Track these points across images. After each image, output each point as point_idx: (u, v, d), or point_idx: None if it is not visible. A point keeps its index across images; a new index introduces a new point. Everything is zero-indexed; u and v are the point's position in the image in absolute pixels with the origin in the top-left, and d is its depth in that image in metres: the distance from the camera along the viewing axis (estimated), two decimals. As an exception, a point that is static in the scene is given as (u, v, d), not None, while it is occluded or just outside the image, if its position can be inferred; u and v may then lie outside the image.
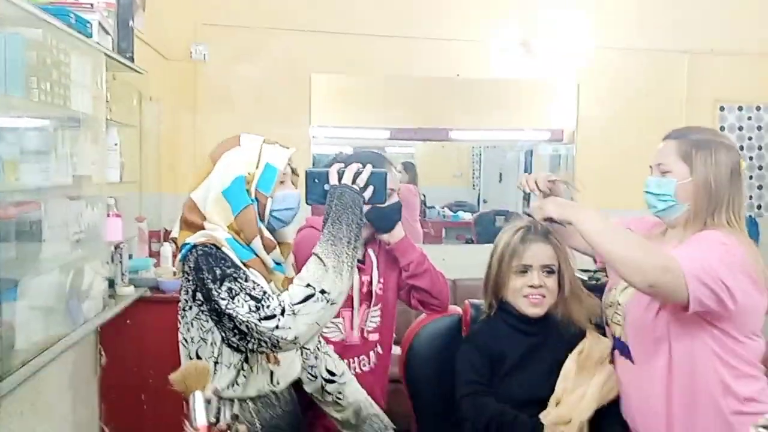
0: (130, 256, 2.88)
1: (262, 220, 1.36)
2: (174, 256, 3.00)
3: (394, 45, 3.91)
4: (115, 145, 2.54)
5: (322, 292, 1.26)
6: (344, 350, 1.72)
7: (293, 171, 1.45)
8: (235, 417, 1.01)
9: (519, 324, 1.76)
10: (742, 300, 1.40)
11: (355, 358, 1.78)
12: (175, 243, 1.39)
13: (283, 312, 1.23)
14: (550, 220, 1.54)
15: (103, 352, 2.69)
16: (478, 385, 1.71)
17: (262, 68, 3.79)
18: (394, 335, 1.96)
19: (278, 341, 1.23)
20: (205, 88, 3.75)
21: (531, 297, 1.73)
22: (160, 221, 3.47)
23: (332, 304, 1.27)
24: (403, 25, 3.90)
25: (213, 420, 1.01)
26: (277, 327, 1.22)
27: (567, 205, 1.53)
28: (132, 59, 2.59)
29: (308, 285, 1.26)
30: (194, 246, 1.30)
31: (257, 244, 1.34)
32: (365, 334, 1.82)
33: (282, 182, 1.40)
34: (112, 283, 2.58)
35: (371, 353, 1.84)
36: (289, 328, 1.23)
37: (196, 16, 3.69)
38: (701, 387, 1.47)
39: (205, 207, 1.35)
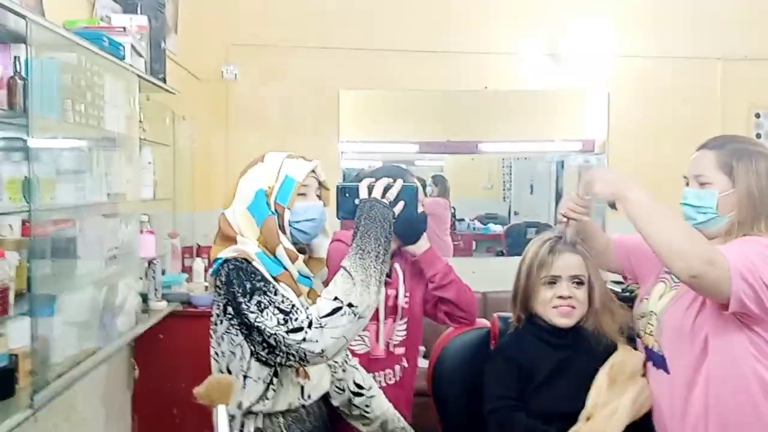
0: (163, 272, 2.94)
1: (283, 232, 1.38)
2: (206, 271, 3.07)
3: (420, 59, 3.93)
4: (149, 163, 2.61)
5: (350, 305, 1.26)
6: (369, 363, 1.72)
7: (321, 184, 1.47)
8: (258, 431, 1.01)
9: (548, 336, 1.73)
10: None
11: (381, 372, 1.78)
12: (208, 258, 1.42)
13: (310, 325, 1.24)
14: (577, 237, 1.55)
15: (136, 366, 2.74)
16: (507, 399, 1.69)
17: (291, 86, 3.85)
18: (421, 349, 1.96)
19: (305, 354, 1.24)
20: (237, 106, 3.83)
21: (560, 308, 1.71)
22: (194, 237, 3.54)
23: (360, 318, 1.28)
24: (429, 39, 3.92)
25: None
26: (304, 340, 1.23)
27: (616, 183, 1.47)
28: (164, 80, 2.66)
29: (336, 298, 1.27)
30: (226, 260, 1.32)
31: (281, 253, 1.36)
32: (391, 348, 1.81)
33: (303, 194, 1.41)
34: (145, 298, 2.64)
35: (397, 367, 1.83)
36: (316, 341, 1.24)
37: (227, 37, 3.78)
38: (741, 390, 1.43)
39: (235, 222, 1.38)
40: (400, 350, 1.83)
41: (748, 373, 1.43)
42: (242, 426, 1.34)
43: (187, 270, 3.22)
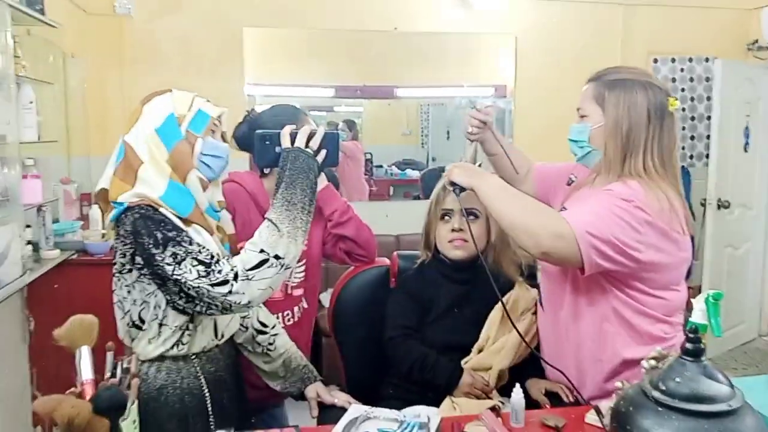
0: (57, 220, 2.79)
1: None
2: (103, 213, 2.93)
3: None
4: (30, 103, 2.42)
5: (276, 257, 1.25)
6: (268, 305, 1.70)
7: (223, 136, 1.42)
8: (126, 371, 0.99)
9: (448, 271, 1.79)
10: (649, 256, 1.36)
11: (279, 314, 1.77)
12: (105, 197, 1.32)
13: (236, 277, 1.22)
14: (455, 185, 1.52)
15: (31, 318, 2.62)
16: (405, 329, 1.75)
17: (191, 22, 3.65)
18: (322, 295, 1.96)
19: (231, 305, 1.23)
20: (132, 44, 3.60)
21: (454, 241, 1.76)
22: (91, 183, 3.36)
23: (286, 268, 1.28)
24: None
25: (108, 374, 0.98)
26: (230, 292, 1.22)
27: (471, 172, 1.50)
28: (42, 11, 2.45)
29: (262, 250, 1.25)
30: (129, 208, 1.26)
31: (192, 179, 1.31)
32: (289, 290, 1.80)
33: (213, 131, 1.37)
34: (36, 247, 2.50)
35: (295, 308, 1.83)
36: (243, 293, 1.23)
37: (119, -33, 3.52)
38: (605, 339, 1.46)
39: (138, 146, 1.30)
40: (299, 292, 1.83)
41: (610, 325, 1.46)
42: (156, 371, 1.32)
43: (85, 218, 3.06)
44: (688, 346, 0.98)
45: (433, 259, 1.84)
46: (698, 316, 1.26)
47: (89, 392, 0.93)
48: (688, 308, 1.37)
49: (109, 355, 1.01)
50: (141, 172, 1.28)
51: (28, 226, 2.44)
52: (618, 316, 1.45)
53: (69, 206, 2.86)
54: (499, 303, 1.70)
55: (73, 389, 0.94)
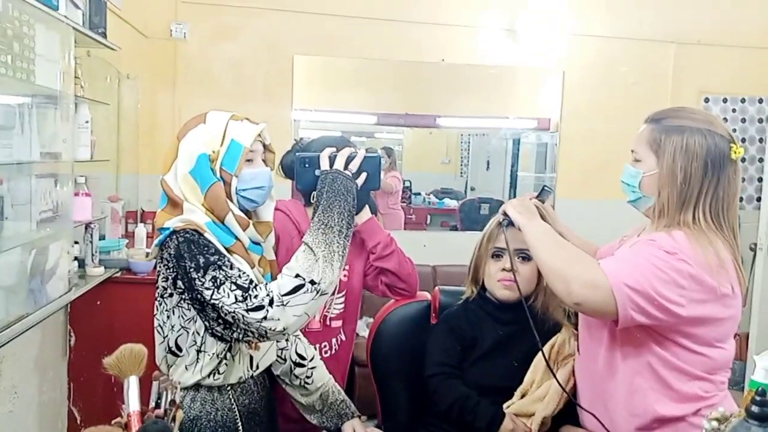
0: (103, 237, 2.84)
1: (230, 199, 1.31)
2: (149, 237, 2.98)
3: (378, 28, 3.87)
4: (86, 122, 2.48)
5: (312, 282, 1.23)
6: (306, 336, 1.69)
7: (266, 147, 1.40)
8: (172, 402, 0.98)
9: (494, 311, 1.75)
10: (691, 312, 1.29)
11: (316, 345, 1.75)
12: (153, 224, 1.35)
13: (271, 303, 1.20)
14: (507, 216, 1.54)
15: (72, 333, 2.66)
16: (447, 367, 1.71)
17: (244, 48, 3.74)
18: (359, 322, 1.94)
19: (266, 332, 1.21)
20: (185, 67, 3.70)
21: (503, 281, 1.72)
22: (138, 202, 3.44)
23: (322, 294, 1.24)
24: (388, 7, 3.86)
25: (153, 405, 0.98)
26: (265, 318, 1.20)
27: (525, 210, 1.49)
28: (104, 35, 2.53)
29: (297, 275, 1.23)
30: (174, 231, 1.26)
31: (230, 221, 1.29)
32: (327, 321, 1.79)
33: (250, 160, 1.34)
34: (81, 264, 2.55)
35: (333, 340, 1.81)
36: (278, 319, 1.20)
37: (177, -6, 3.63)
38: (637, 394, 1.39)
39: (177, 187, 1.31)
40: (337, 323, 1.81)
41: (642, 365, 1.39)
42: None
43: (129, 235, 3.12)
44: (754, 408, 0.93)
45: (479, 296, 1.80)
46: (761, 375, 1.19)
47: (135, 424, 0.93)
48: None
49: (155, 385, 1.01)
50: (186, 205, 1.30)
51: (75, 243, 2.49)
52: (651, 370, 1.37)
53: (115, 224, 2.92)
54: (545, 347, 1.65)
55: (119, 419, 0.94)
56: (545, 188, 1.67)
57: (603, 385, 1.46)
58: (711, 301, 1.31)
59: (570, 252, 1.37)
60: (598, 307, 1.28)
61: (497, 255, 1.74)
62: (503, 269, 1.72)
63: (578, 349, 1.59)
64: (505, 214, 1.54)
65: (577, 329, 1.72)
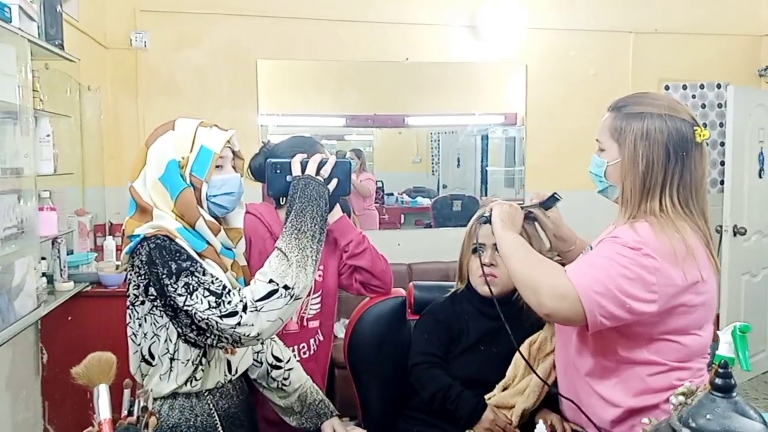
0: (71, 251, 2.80)
1: (201, 205, 1.31)
2: (119, 249, 2.94)
3: (340, 29, 3.87)
4: (47, 136, 2.44)
5: (286, 287, 1.23)
6: (283, 337, 1.69)
7: (235, 154, 1.40)
8: (144, 409, 0.97)
9: (480, 305, 1.76)
10: (662, 305, 1.29)
11: (294, 346, 1.75)
12: (122, 235, 1.32)
13: (245, 308, 1.20)
14: (487, 217, 1.54)
15: (44, 350, 2.61)
16: (431, 356, 1.72)
17: (206, 55, 3.71)
18: (336, 324, 1.95)
19: (240, 338, 1.21)
20: (147, 76, 3.65)
21: (483, 276, 1.73)
22: (105, 215, 3.38)
23: (296, 299, 1.24)
24: (350, 8, 3.87)
25: (125, 412, 0.97)
26: (238, 324, 1.19)
27: (507, 218, 1.50)
28: (62, 47, 2.49)
29: (271, 281, 1.23)
30: (145, 238, 1.25)
31: (201, 227, 1.29)
32: (304, 322, 1.79)
33: (219, 166, 1.34)
34: (51, 279, 2.50)
35: (311, 341, 1.81)
36: (252, 324, 1.20)
37: (135, 3, 3.58)
38: (609, 386, 1.40)
39: (146, 194, 1.30)
40: (314, 324, 1.81)
41: (611, 360, 1.38)
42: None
43: (98, 249, 3.07)
44: (718, 381, 0.95)
45: (467, 290, 1.82)
46: (725, 349, 1.21)
47: (107, 431, 0.92)
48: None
49: (126, 393, 1.00)
50: (155, 211, 1.29)
51: (43, 259, 2.45)
52: (622, 365, 1.38)
53: (83, 238, 2.87)
54: (527, 342, 1.68)
55: (90, 429, 0.93)
56: (555, 195, 1.64)
57: (577, 379, 1.47)
58: (681, 292, 1.30)
59: (539, 263, 1.37)
60: (568, 316, 1.28)
61: (476, 250, 1.75)
62: (483, 264, 1.74)
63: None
64: (490, 212, 1.54)
65: None
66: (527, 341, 1.68)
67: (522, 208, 1.59)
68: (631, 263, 1.27)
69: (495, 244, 1.66)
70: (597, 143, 1.44)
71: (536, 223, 1.66)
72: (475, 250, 1.75)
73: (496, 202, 1.56)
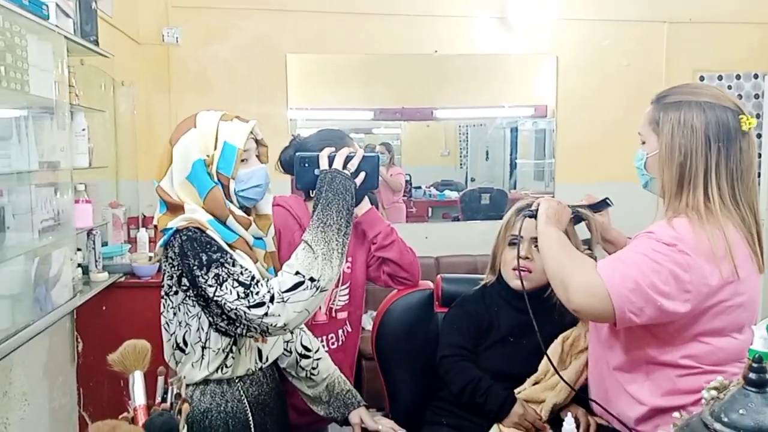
0: (106, 243, 2.86)
1: (230, 200, 1.33)
2: (152, 241, 3.00)
3: (369, 22, 3.87)
4: (83, 130, 2.50)
5: (312, 279, 1.24)
6: (312, 328, 1.71)
7: (258, 142, 1.41)
8: (178, 396, 0.99)
9: (512, 298, 1.75)
10: (696, 305, 1.26)
11: (323, 337, 1.77)
12: (156, 228, 1.35)
13: (272, 299, 1.22)
14: (532, 211, 1.53)
15: (79, 339, 2.68)
16: (459, 348, 1.72)
17: (236, 49, 3.75)
18: (364, 316, 1.96)
19: (267, 328, 1.23)
20: (179, 71, 3.71)
21: (516, 269, 1.72)
22: (138, 207, 3.45)
23: (322, 291, 1.26)
24: (378, 1, 3.86)
25: (159, 399, 0.99)
26: (266, 314, 1.21)
27: (553, 213, 1.47)
28: (97, 42, 2.54)
29: (297, 273, 1.25)
30: (177, 230, 1.27)
31: (231, 223, 1.32)
32: (333, 313, 1.80)
33: (244, 160, 1.35)
34: (86, 270, 2.57)
35: (339, 331, 1.83)
36: (279, 315, 1.22)
37: (167, -1, 3.64)
38: (636, 384, 1.38)
39: (174, 193, 1.32)
40: (343, 315, 1.83)
41: (640, 358, 1.37)
42: (201, 395, 1.33)
43: (132, 241, 3.14)
44: (752, 376, 0.93)
45: (497, 282, 1.80)
46: (760, 344, 1.19)
47: (142, 418, 0.94)
48: None
49: (160, 380, 1.02)
50: (187, 206, 1.31)
51: (78, 250, 2.51)
52: (653, 362, 1.35)
53: (117, 230, 2.93)
54: (560, 337, 1.66)
55: (125, 414, 0.95)
56: (606, 200, 1.62)
57: (606, 373, 1.45)
58: (716, 292, 1.26)
59: (572, 259, 1.35)
60: (597, 312, 1.27)
61: (513, 243, 1.74)
62: (518, 257, 1.72)
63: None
64: (537, 207, 1.52)
65: None
66: (561, 337, 1.67)
67: (570, 207, 1.56)
68: (664, 259, 1.24)
69: (533, 238, 1.66)
70: (639, 136, 1.41)
71: (585, 224, 1.62)
72: (512, 242, 1.74)
73: (545, 198, 1.53)
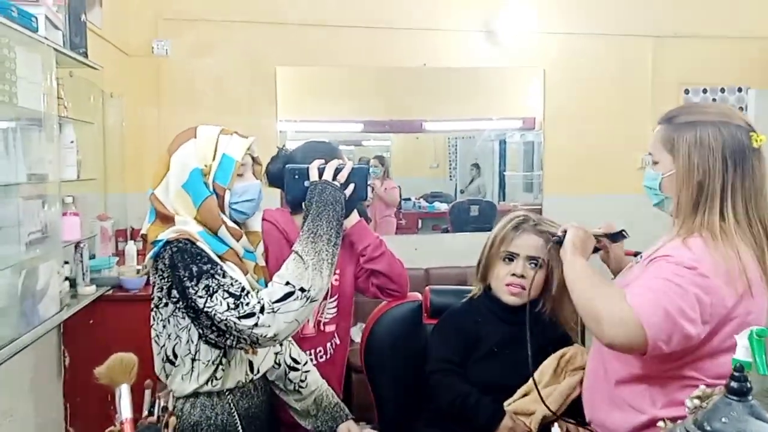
0: (94, 256, 2.85)
1: (223, 212, 1.34)
2: (140, 254, 2.98)
3: (358, 35, 3.90)
4: (71, 142, 2.49)
5: (302, 290, 1.25)
6: (300, 342, 1.70)
7: (254, 160, 1.43)
8: (165, 409, 0.99)
9: (500, 311, 1.76)
10: (714, 326, 1.26)
11: (311, 350, 1.77)
12: (145, 239, 1.36)
13: (262, 310, 1.22)
14: (558, 238, 1.49)
15: (66, 353, 2.66)
16: (447, 363, 1.72)
17: (226, 62, 3.75)
18: (352, 329, 1.96)
19: (257, 339, 1.23)
20: (169, 83, 3.71)
21: (512, 286, 1.73)
22: (126, 220, 3.44)
23: (312, 301, 1.27)
24: (367, 15, 3.89)
25: (146, 412, 0.99)
26: (256, 325, 1.21)
27: (579, 245, 1.45)
28: (86, 54, 2.54)
29: (287, 283, 1.25)
30: (167, 242, 1.27)
31: (224, 233, 1.33)
32: (321, 326, 1.80)
33: (240, 174, 1.37)
34: (73, 283, 2.55)
35: (327, 344, 1.82)
36: (269, 326, 1.22)
37: (157, 11, 3.65)
38: (633, 394, 1.38)
39: (169, 202, 1.33)
40: (331, 327, 1.83)
41: (637, 368, 1.36)
42: (191, 407, 1.32)
43: (120, 254, 3.12)
44: (734, 384, 0.94)
45: (485, 295, 1.81)
46: (742, 353, 1.20)
47: (128, 431, 0.94)
48: None
49: (147, 393, 1.02)
50: (178, 218, 1.32)
51: (66, 263, 2.50)
52: (656, 376, 1.34)
53: (105, 242, 2.92)
54: (557, 354, 1.67)
55: (112, 428, 0.95)
56: (622, 232, 1.60)
57: (603, 383, 1.45)
58: (730, 312, 1.27)
59: (601, 290, 1.32)
60: (631, 343, 1.24)
61: (509, 258, 1.74)
62: (513, 274, 1.73)
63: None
64: (563, 233, 1.48)
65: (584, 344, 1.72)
66: (558, 353, 1.67)
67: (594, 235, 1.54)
68: (688, 284, 1.24)
69: (529, 256, 1.67)
70: (649, 156, 1.42)
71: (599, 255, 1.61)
72: (506, 258, 1.74)
73: (572, 225, 1.50)
